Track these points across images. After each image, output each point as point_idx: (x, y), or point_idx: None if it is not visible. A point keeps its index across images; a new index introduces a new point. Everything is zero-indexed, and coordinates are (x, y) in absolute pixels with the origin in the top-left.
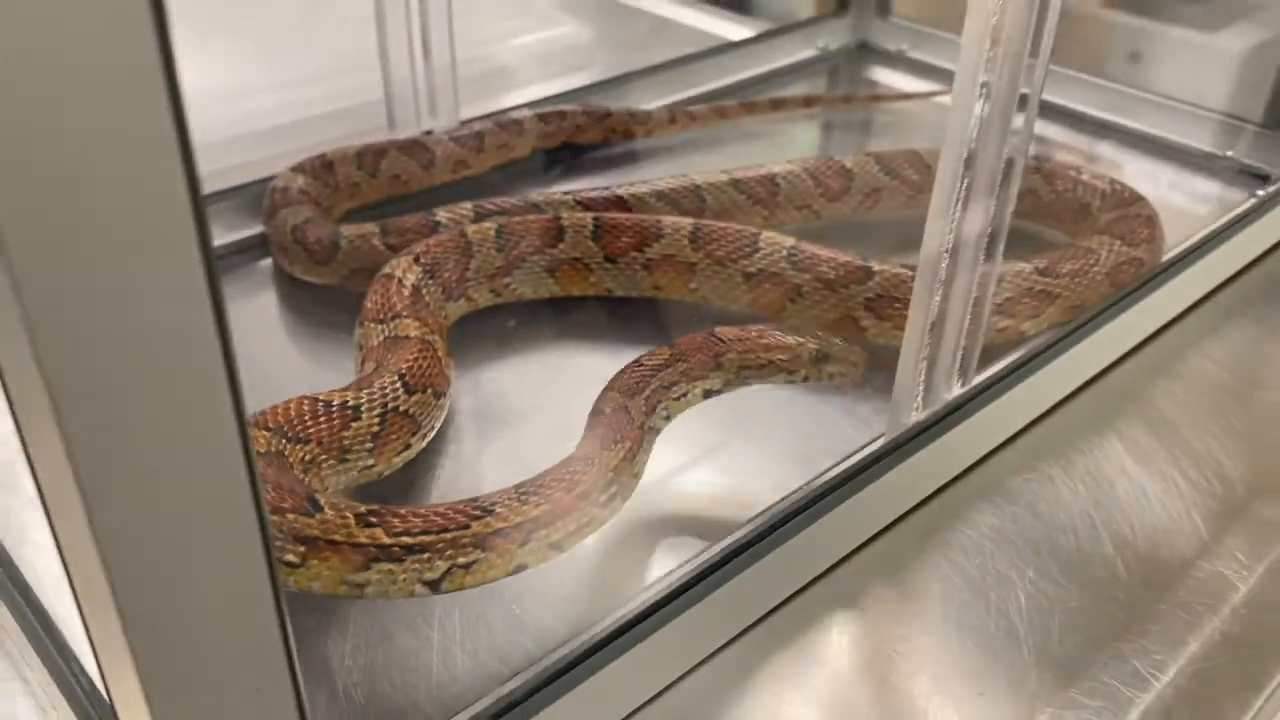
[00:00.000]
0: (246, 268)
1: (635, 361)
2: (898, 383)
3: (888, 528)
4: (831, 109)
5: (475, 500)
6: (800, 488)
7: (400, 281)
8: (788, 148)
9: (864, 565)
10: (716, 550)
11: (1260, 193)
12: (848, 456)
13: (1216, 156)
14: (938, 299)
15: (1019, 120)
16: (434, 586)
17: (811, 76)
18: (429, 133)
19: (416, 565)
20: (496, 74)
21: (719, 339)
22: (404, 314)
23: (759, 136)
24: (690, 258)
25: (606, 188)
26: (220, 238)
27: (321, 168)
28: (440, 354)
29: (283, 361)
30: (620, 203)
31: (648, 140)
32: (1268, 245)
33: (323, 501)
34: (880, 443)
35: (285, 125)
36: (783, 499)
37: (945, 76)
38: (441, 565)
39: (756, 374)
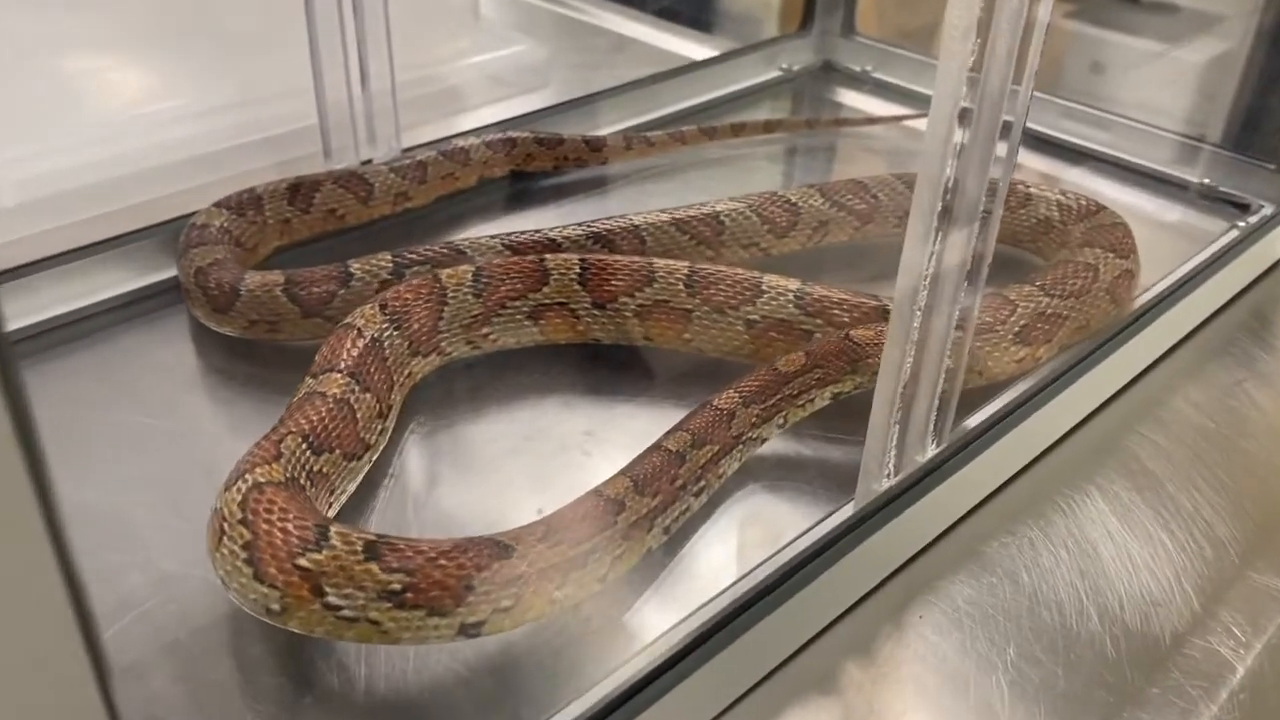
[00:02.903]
0: (164, 313)
1: (770, 366)
2: (867, 449)
3: (858, 603)
4: (795, 134)
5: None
6: (762, 563)
7: (359, 333)
8: (750, 175)
9: (833, 645)
10: (674, 642)
11: (1241, 224)
12: (812, 528)
13: (1190, 182)
14: (909, 360)
15: (1000, 149)
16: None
17: (775, 98)
18: (368, 163)
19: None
20: (446, 96)
21: (856, 344)
22: (340, 369)
23: (720, 163)
24: (686, 304)
25: (538, 230)
26: (137, 280)
27: (248, 203)
28: (361, 415)
29: (193, 419)
30: (552, 245)
31: (603, 168)
32: (1249, 279)
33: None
34: (848, 512)
35: (217, 153)
36: (743, 577)
37: (911, 98)
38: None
39: None
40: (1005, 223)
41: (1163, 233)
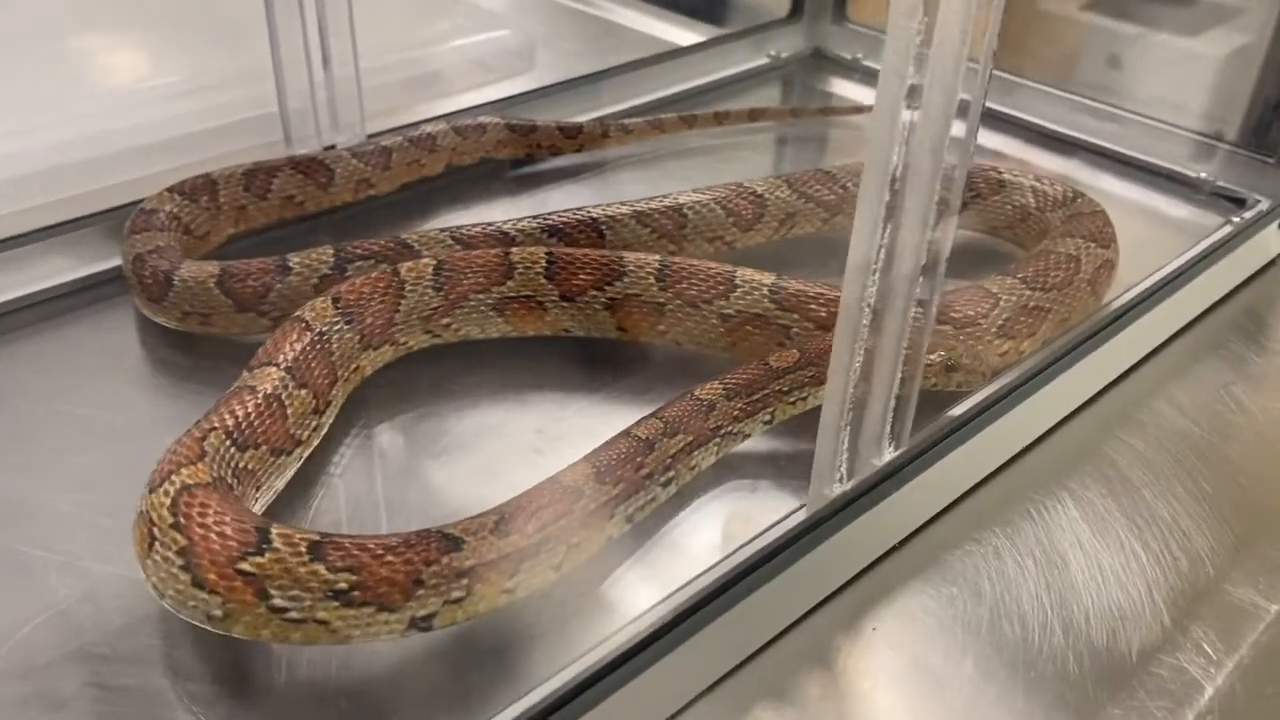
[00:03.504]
0: (111, 302)
1: (761, 360)
2: (818, 451)
3: (810, 612)
4: (784, 123)
5: None
6: (708, 569)
7: (307, 326)
8: (733, 164)
9: (781, 657)
10: (606, 653)
11: (1235, 219)
12: (762, 533)
13: (1188, 177)
14: (859, 360)
15: (957, 128)
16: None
17: (763, 86)
18: (331, 148)
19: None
20: (426, 80)
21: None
22: (277, 364)
23: (704, 152)
24: (658, 298)
25: (490, 224)
26: (83, 268)
27: (201, 188)
28: (293, 411)
29: (133, 411)
30: (504, 239)
31: (579, 156)
32: (1243, 277)
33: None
34: (800, 516)
35: (175, 140)
36: (688, 583)
37: None
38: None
39: None
40: (980, 211)
41: (1160, 228)
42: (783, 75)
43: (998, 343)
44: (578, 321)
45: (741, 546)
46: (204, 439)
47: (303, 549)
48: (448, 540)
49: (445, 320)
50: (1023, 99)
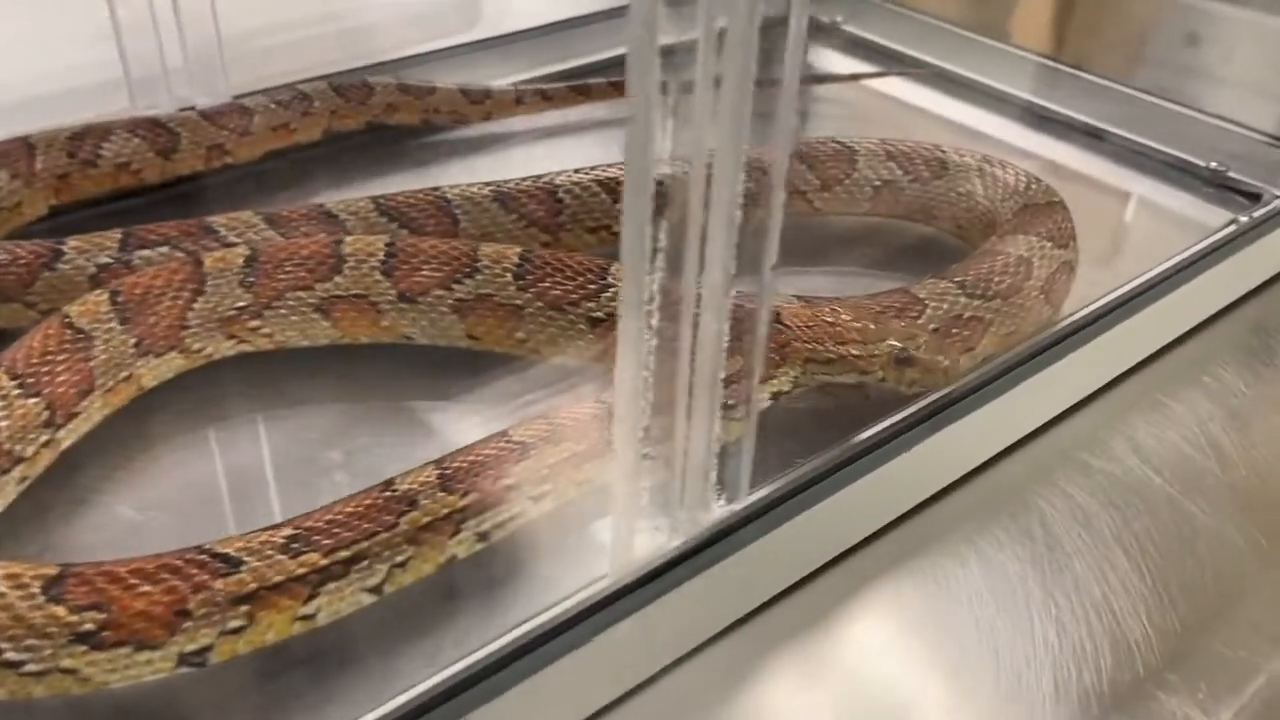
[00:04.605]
0: None
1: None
2: (614, 505)
3: (622, 699)
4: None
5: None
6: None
7: (68, 324)
8: None
9: None
10: None
11: (1242, 218)
12: (560, 601)
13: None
14: (649, 395)
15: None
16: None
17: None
18: (190, 110)
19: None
20: (352, 36)
21: (783, 325)
22: (6, 366)
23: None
24: (515, 299)
25: (320, 205)
26: None
27: (15, 152)
28: (11, 425)
29: None
30: (332, 222)
31: (489, 125)
32: (1250, 287)
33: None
34: (603, 584)
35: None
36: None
37: (890, 57)
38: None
39: (825, 370)
40: (915, 198)
41: (1149, 224)
42: (760, 43)
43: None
44: (420, 327)
45: (530, 619)
46: None
47: (35, 589)
48: (221, 561)
49: (255, 323)
50: (1009, 72)
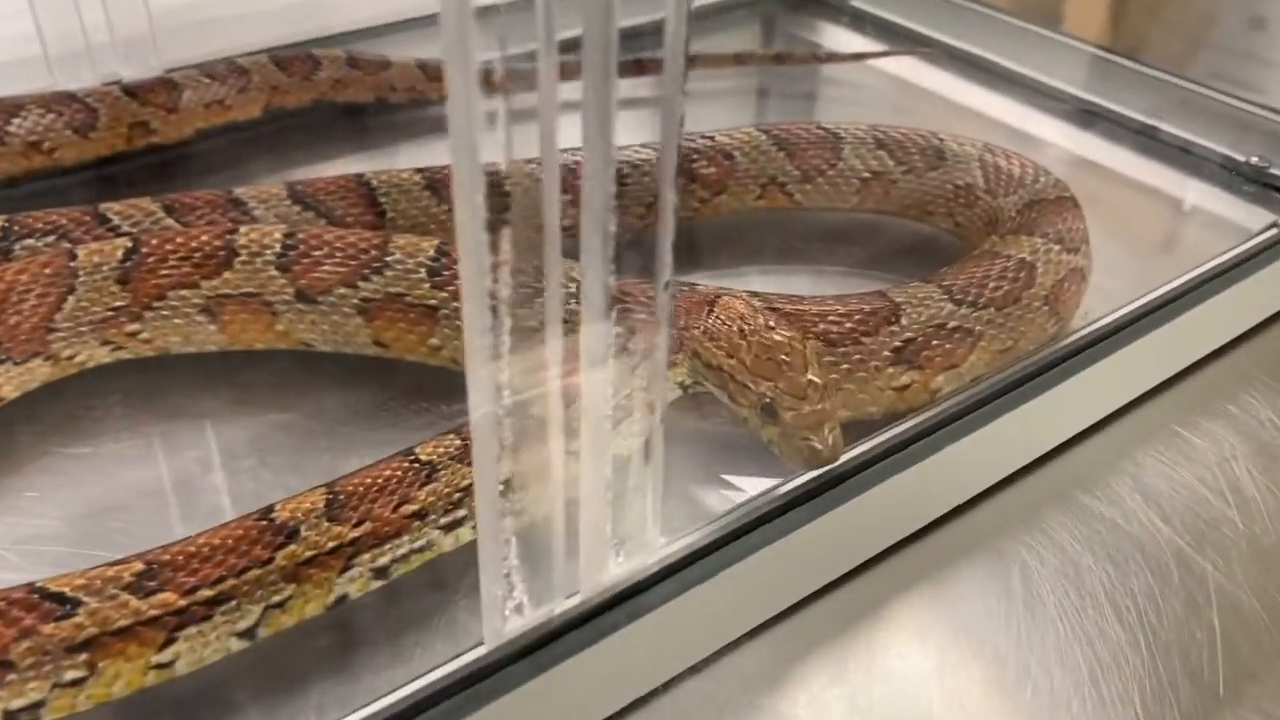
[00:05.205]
0: None
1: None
2: (481, 565)
3: None
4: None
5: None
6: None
7: None
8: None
9: None
10: None
11: None
12: (429, 671)
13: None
14: (507, 437)
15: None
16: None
17: (736, 27)
18: (115, 85)
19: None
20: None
21: (708, 302)
22: None
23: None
24: (429, 298)
25: (229, 191)
26: None
27: None
28: None
29: None
30: (236, 206)
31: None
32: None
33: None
34: (478, 654)
35: None
36: None
37: (901, 35)
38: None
39: (710, 377)
40: (909, 191)
41: (1180, 226)
42: (762, 14)
43: (892, 372)
44: (320, 332)
45: (392, 691)
46: None
47: None
48: (55, 601)
49: (134, 327)
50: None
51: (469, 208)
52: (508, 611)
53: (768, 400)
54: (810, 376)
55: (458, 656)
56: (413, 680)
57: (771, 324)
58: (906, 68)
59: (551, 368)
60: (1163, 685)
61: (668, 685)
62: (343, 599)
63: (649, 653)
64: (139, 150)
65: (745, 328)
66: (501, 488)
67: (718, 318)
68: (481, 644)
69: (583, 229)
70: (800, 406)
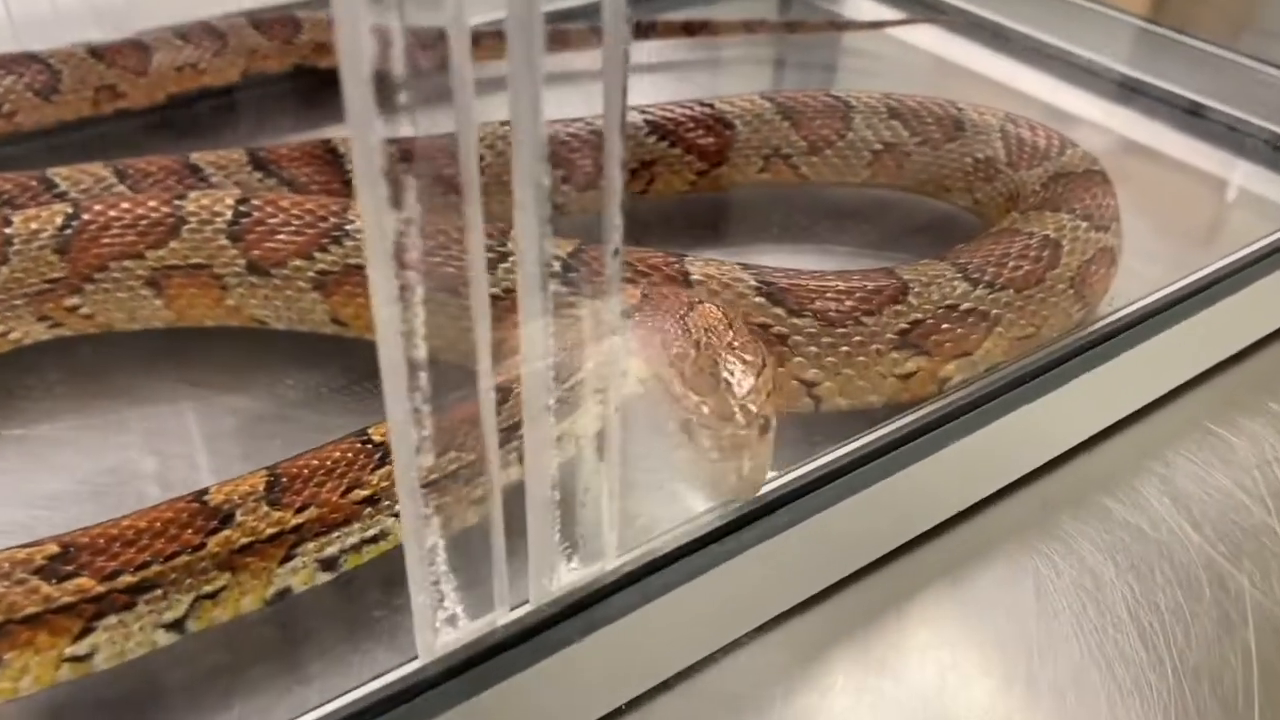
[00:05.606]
0: None
1: None
2: (409, 573)
3: None
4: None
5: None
6: None
7: None
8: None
9: None
10: None
11: None
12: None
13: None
14: (424, 432)
15: None
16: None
17: None
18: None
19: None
20: None
21: (687, 307)
22: None
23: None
24: None
25: (184, 156)
26: None
27: None
28: None
29: None
30: (193, 173)
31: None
32: None
33: None
34: (409, 669)
35: None
36: None
37: (927, 4)
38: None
39: (648, 384)
40: (924, 164)
41: (1223, 206)
42: None
43: (897, 357)
44: (274, 308)
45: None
46: None
47: None
48: None
49: (73, 301)
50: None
51: (369, 180)
52: (438, 624)
53: (688, 417)
54: (747, 402)
55: (388, 671)
56: (331, 700)
57: (737, 343)
58: (932, 39)
59: (480, 346)
60: (1189, 714)
61: (633, 704)
62: (285, 592)
63: (607, 669)
64: (106, 116)
65: (704, 339)
66: (424, 485)
67: (684, 324)
68: (416, 658)
69: (515, 183)
70: (721, 428)
